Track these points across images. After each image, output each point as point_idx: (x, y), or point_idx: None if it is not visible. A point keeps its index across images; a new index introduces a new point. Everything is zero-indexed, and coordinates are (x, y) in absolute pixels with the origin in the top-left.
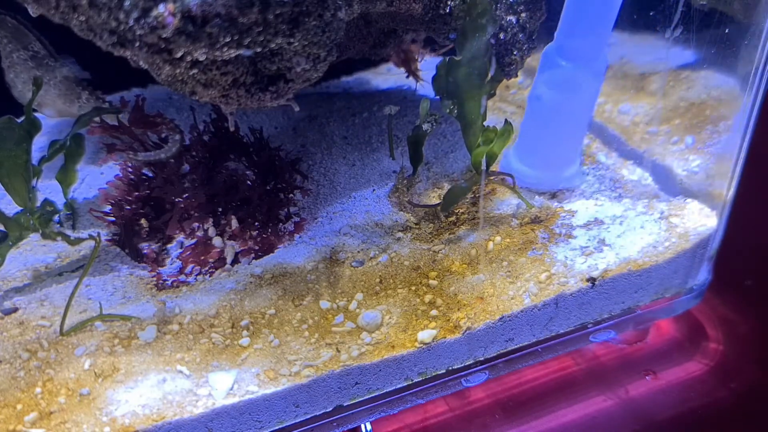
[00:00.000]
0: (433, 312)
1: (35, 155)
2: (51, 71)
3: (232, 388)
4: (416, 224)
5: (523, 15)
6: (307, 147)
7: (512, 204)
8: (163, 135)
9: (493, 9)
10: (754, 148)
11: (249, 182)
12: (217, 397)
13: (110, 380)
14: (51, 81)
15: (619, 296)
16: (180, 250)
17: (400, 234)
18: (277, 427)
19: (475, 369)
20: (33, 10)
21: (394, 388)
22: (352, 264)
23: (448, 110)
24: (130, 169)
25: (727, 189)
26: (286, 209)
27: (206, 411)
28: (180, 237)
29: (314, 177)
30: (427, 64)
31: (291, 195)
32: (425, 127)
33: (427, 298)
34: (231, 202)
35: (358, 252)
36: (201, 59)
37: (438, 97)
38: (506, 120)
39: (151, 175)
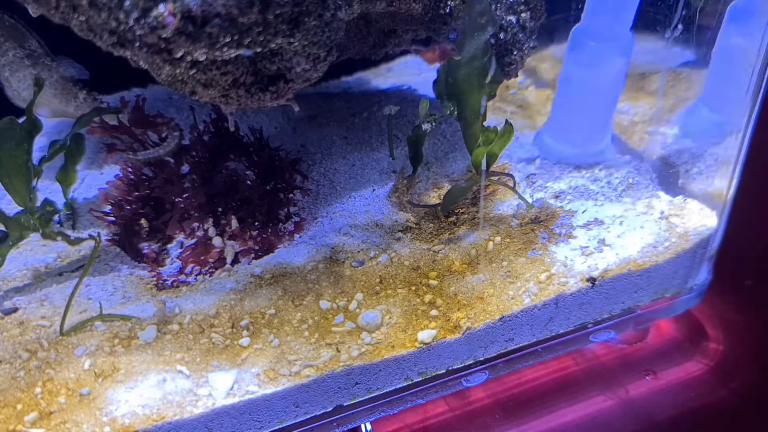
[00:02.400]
0: (433, 312)
1: (35, 155)
2: (47, 70)
3: (232, 388)
4: (416, 224)
5: (523, 15)
6: (307, 147)
7: (512, 204)
8: (163, 135)
9: (493, 9)
10: (754, 148)
11: (249, 182)
12: (217, 397)
13: (110, 380)
14: (47, 80)
15: (619, 296)
16: (180, 250)
17: (400, 234)
18: (277, 427)
19: (475, 369)
20: (33, 10)
21: (394, 388)
22: (352, 264)
23: (448, 111)
24: (130, 169)
25: (727, 189)
26: (286, 209)
27: (206, 411)
28: (180, 237)
29: (314, 177)
30: (426, 64)
31: (291, 195)
32: (425, 127)
33: (427, 298)
34: (231, 202)
35: (358, 252)
36: (201, 59)
37: (438, 99)
38: (507, 120)
39: (151, 175)
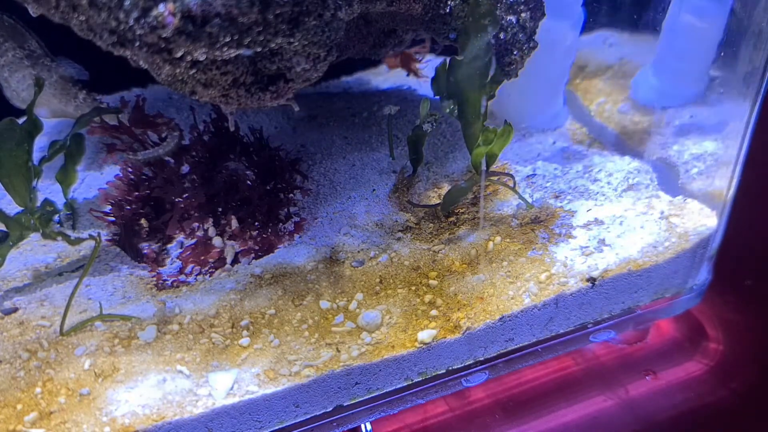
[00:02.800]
0: (433, 312)
1: (35, 155)
2: (47, 70)
3: (232, 388)
4: (416, 224)
5: (523, 15)
6: (307, 147)
7: (512, 204)
8: (163, 135)
9: (495, 10)
10: (754, 149)
11: (249, 182)
12: (217, 397)
13: (110, 380)
14: (47, 80)
15: (619, 296)
16: (180, 250)
17: (400, 234)
18: (277, 427)
19: (475, 369)
20: (33, 10)
21: (394, 388)
22: (352, 264)
23: (448, 110)
24: (130, 169)
25: (727, 189)
26: (286, 209)
27: (206, 411)
28: (180, 237)
29: (314, 177)
30: (428, 63)
31: (291, 195)
32: (425, 127)
33: (427, 298)
34: (231, 202)
35: (358, 252)
36: (201, 59)
37: (438, 97)
38: (506, 120)
39: (151, 175)
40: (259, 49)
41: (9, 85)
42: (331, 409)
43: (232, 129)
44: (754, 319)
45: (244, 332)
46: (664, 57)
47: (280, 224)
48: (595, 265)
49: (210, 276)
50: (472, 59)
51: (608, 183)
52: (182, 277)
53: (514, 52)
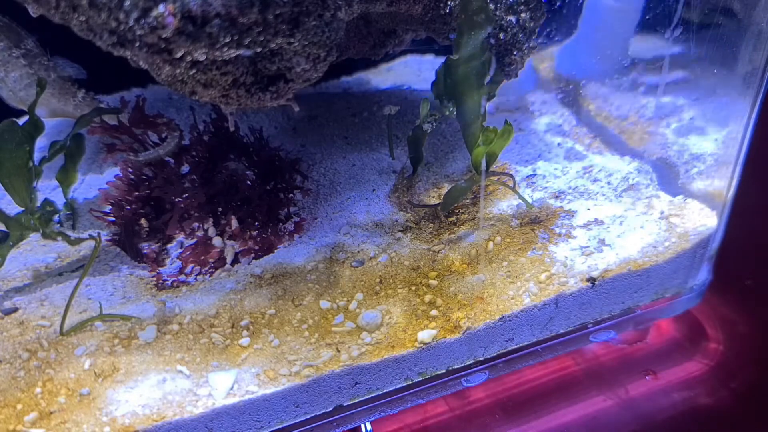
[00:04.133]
0: (433, 312)
1: (36, 156)
2: (44, 70)
3: (232, 388)
4: (416, 224)
5: (523, 15)
6: (307, 147)
7: (512, 204)
8: (163, 135)
9: (493, 9)
10: (754, 148)
11: (249, 182)
12: (217, 397)
13: (110, 380)
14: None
15: (619, 296)
16: (180, 250)
17: (400, 234)
18: (277, 427)
19: (475, 369)
20: (33, 10)
21: (394, 388)
22: (352, 264)
23: (447, 112)
24: (130, 170)
25: (727, 189)
26: (286, 209)
27: (206, 411)
28: (180, 237)
29: (314, 177)
30: (426, 64)
31: (291, 195)
32: (425, 126)
33: (427, 298)
34: (231, 202)
35: (358, 252)
36: (201, 59)
37: (437, 100)
38: (506, 120)
39: (151, 175)
40: (259, 50)
41: (6, 85)
42: (331, 409)
43: (232, 129)
44: (754, 319)
45: (244, 332)
46: (584, 33)
47: (280, 224)
48: (595, 265)
49: (210, 276)
50: (468, 58)
51: (608, 183)
52: (182, 277)
53: (514, 52)
